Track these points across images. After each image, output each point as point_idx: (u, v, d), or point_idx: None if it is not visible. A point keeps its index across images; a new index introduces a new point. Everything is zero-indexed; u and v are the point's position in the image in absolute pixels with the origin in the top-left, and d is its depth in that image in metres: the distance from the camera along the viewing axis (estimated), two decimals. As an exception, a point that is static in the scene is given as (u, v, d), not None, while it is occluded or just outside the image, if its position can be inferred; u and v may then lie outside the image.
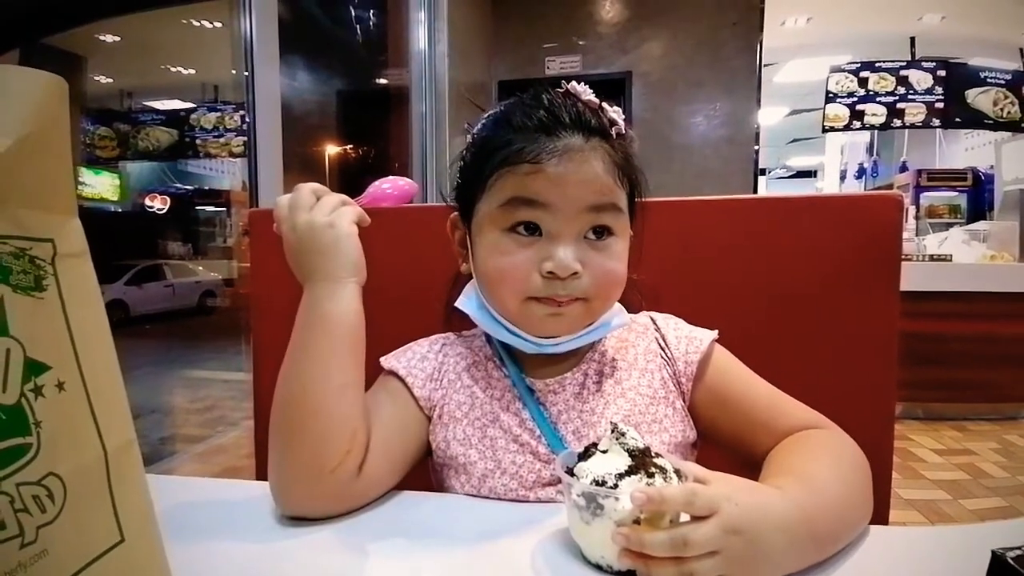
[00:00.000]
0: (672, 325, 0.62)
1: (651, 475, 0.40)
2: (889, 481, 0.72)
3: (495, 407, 0.58)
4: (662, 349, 0.60)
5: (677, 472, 0.42)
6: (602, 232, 0.53)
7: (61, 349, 0.28)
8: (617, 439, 0.43)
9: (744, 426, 0.56)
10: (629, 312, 0.61)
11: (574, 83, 0.54)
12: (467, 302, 0.59)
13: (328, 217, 0.54)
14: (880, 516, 0.71)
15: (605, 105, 0.55)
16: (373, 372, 0.62)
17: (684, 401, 0.59)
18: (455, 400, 0.59)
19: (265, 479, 0.52)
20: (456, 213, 0.60)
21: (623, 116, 0.55)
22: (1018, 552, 0.37)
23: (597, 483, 0.41)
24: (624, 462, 0.41)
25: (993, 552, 0.37)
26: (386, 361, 0.61)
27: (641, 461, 0.41)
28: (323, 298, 0.53)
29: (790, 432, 0.54)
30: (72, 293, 0.29)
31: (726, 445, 0.58)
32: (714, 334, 0.60)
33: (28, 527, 0.26)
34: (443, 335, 0.65)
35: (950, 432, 2.84)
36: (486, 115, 0.58)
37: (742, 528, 0.37)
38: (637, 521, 0.39)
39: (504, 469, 0.55)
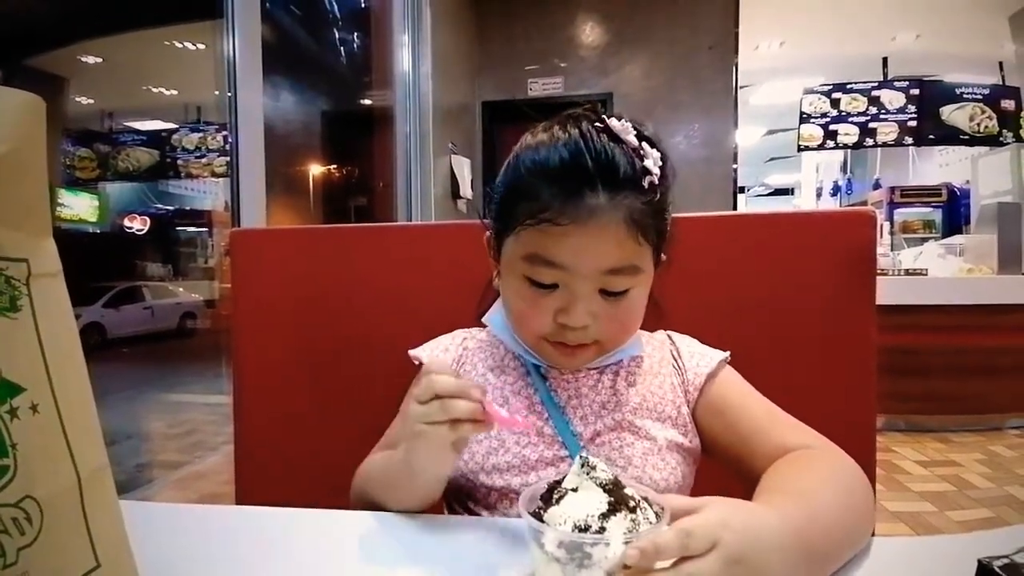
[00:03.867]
0: (687, 342, 0.65)
1: (632, 510, 0.37)
2: (873, 493, 0.72)
3: (506, 391, 0.61)
4: (675, 359, 0.63)
5: (646, 499, 0.39)
6: (618, 290, 0.54)
7: (35, 371, 0.28)
8: (588, 473, 0.38)
9: (740, 438, 0.57)
10: (643, 328, 0.62)
11: (614, 120, 0.53)
12: (493, 319, 0.63)
13: (452, 436, 0.47)
14: (866, 528, 0.71)
15: (646, 146, 0.53)
16: (401, 363, 0.65)
17: (689, 407, 0.61)
18: None
19: (244, 504, 0.50)
20: (490, 233, 0.61)
21: (660, 162, 0.54)
22: (1005, 561, 0.37)
23: (579, 529, 0.36)
24: (602, 499, 0.37)
25: (979, 561, 0.37)
26: (413, 352, 0.65)
27: (619, 496, 0.37)
28: (426, 467, 0.52)
29: (784, 448, 0.53)
30: (45, 314, 0.29)
31: (724, 458, 0.59)
32: (725, 355, 0.63)
33: (9, 548, 0.26)
34: (466, 329, 0.69)
35: (933, 444, 2.87)
36: (529, 134, 0.57)
37: (744, 556, 0.36)
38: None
39: (508, 448, 0.58)
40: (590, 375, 0.61)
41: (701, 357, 0.62)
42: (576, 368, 0.60)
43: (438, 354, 0.65)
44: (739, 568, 0.35)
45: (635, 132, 0.53)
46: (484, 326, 0.67)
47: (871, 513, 0.49)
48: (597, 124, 0.53)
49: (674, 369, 0.62)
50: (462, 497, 0.60)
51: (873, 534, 0.48)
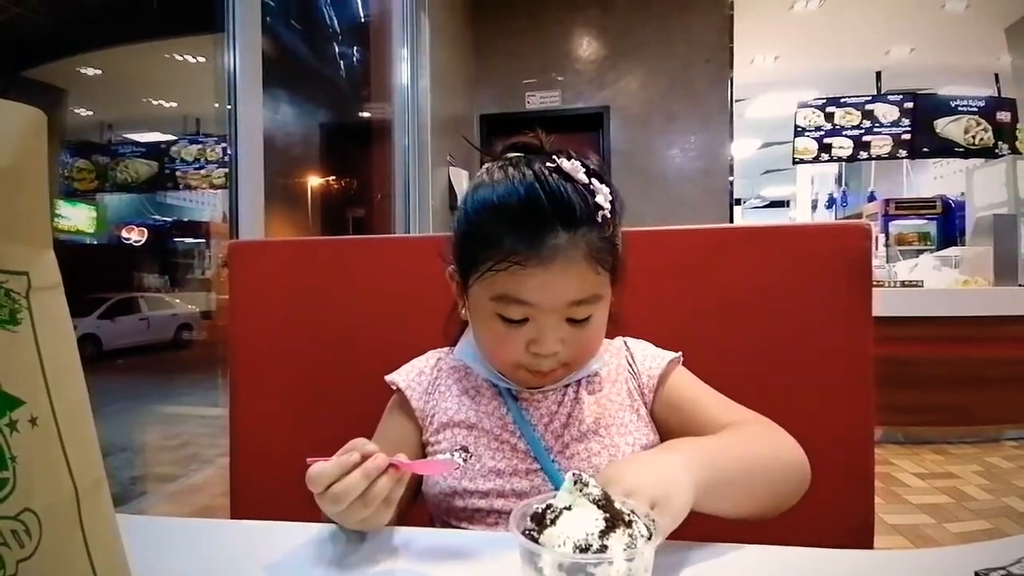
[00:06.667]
0: (641, 347, 0.69)
1: (629, 524, 0.36)
2: (872, 505, 0.72)
3: (480, 412, 0.64)
4: (629, 365, 0.68)
5: (634, 512, 0.38)
6: (582, 316, 0.58)
7: (34, 384, 0.28)
8: (580, 490, 0.38)
9: (692, 427, 0.62)
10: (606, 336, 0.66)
11: (564, 161, 0.56)
12: (464, 351, 0.67)
13: (368, 511, 0.48)
14: (864, 541, 0.71)
15: (595, 182, 0.56)
16: (379, 389, 0.68)
17: (647, 408, 0.66)
18: (442, 407, 0.66)
19: (240, 518, 0.50)
20: (453, 268, 0.64)
21: (610, 198, 0.57)
22: (1002, 572, 0.37)
23: (580, 549, 0.35)
24: (598, 516, 0.36)
25: (976, 573, 0.37)
26: (389, 377, 0.69)
27: (614, 511, 0.37)
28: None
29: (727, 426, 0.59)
30: (45, 327, 0.29)
31: None
32: (675, 355, 0.67)
33: (8, 560, 0.26)
34: (439, 350, 0.72)
35: (931, 456, 2.86)
36: (483, 177, 0.60)
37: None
38: None
39: (484, 463, 0.61)
40: (556, 392, 0.65)
41: (653, 359, 0.67)
42: (546, 386, 0.64)
43: (413, 377, 0.68)
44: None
45: (585, 169, 0.56)
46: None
47: (791, 462, 0.56)
48: (549, 164, 0.56)
49: (630, 374, 0.67)
50: (441, 513, 0.63)
51: (873, 547, 0.48)
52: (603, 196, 0.56)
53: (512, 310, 0.56)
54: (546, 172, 0.55)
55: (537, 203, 0.54)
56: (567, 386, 0.65)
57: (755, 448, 0.55)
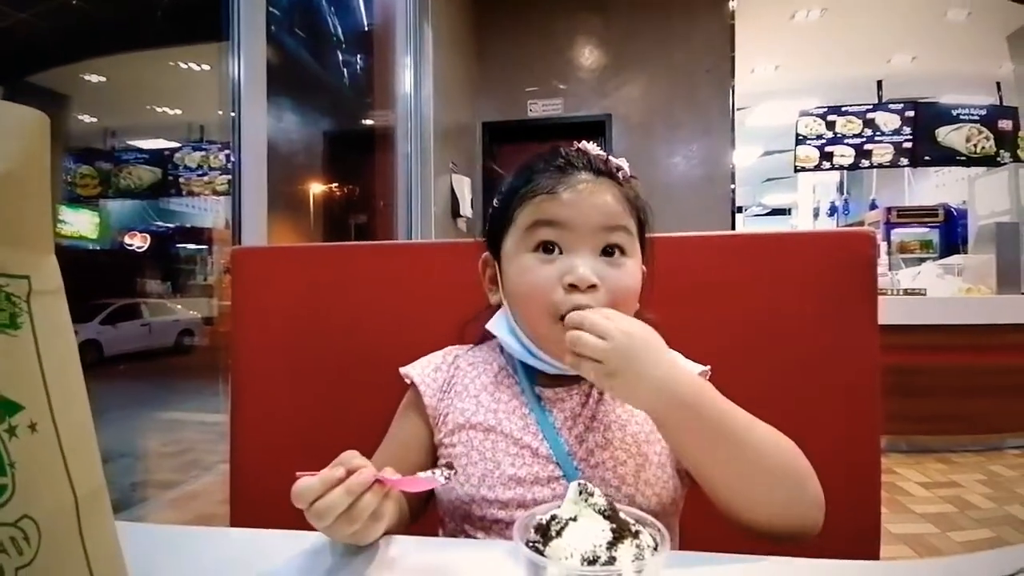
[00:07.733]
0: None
1: (636, 535, 0.36)
2: (879, 515, 0.72)
3: (499, 413, 0.62)
4: None
5: (640, 522, 0.38)
6: (614, 250, 0.59)
7: (34, 389, 0.27)
8: (586, 500, 0.37)
9: None
10: None
11: (584, 143, 0.63)
12: (497, 325, 0.65)
13: (354, 527, 0.47)
14: (871, 551, 0.70)
15: (611, 157, 0.63)
16: (403, 381, 0.67)
17: None
18: (458, 407, 0.63)
19: (239, 525, 0.50)
20: (487, 252, 0.66)
21: (627, 165, 0.63)
22: (1010, 584, 0.37)
23: (588, 561, 0.34)
24: (604, 527, 0.36)
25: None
26: (404, 369, 0.68)
27: (620, 522, 0.36)
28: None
29: None
30: (45, 331, 0.28)
31: None
32: (704, 368, 0.64)
33: (7, 567, 0.25)
34: (456, 346, 0.71)
35: (935, 464, 2.85)
36: (515, 169, 0.66)
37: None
38: None
39: (503, 471, 0.59)
40: (581, 390, 0.63)
41: None
42: (579, 370, 0.59)
43: (428, 372, 0.67)
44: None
45: (601, 150, 0.63)
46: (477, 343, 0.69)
47: (791, 473, 0.52)
48: (570, 147, 0.63)
49: None
50: (458, 518, 0.61)
51: (879, 557, 0.48)
52: (622, 162, 0.62)
53: (544, 232, 0.58)
54: (572, 149, 0.63)
55: (565, 155, 0.61)
56: (592, 386, 0.62)
57: (766, 436, 0.52)
